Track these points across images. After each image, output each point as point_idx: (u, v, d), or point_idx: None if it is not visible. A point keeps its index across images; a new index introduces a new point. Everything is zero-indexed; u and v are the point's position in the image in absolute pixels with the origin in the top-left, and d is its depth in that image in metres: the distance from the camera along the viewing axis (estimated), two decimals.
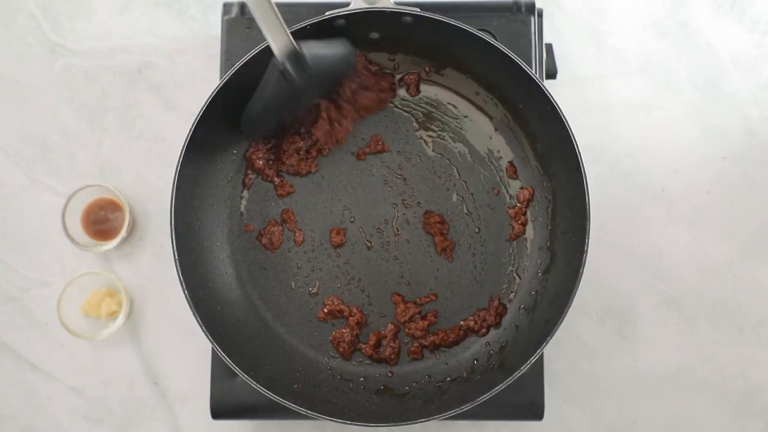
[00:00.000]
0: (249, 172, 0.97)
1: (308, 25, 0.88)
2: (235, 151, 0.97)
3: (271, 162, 0.97)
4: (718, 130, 1.05)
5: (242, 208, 0.97)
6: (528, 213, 0.96)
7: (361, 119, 0.97)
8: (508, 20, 0.96)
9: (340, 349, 0.95)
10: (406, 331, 0.95)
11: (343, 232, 0.96)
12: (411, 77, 0.97)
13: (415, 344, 0.95)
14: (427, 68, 0.97)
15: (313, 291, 0.96)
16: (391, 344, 0.95)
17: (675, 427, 1.02)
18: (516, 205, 0.96)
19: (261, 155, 0.96)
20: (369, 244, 0.96)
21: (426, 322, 0.94)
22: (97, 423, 1.02)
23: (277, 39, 0.83)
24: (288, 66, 0.85)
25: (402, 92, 0.98)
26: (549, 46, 1.00)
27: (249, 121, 0.93)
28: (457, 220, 0.96)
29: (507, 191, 0.96)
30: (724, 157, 1.05)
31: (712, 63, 1.06)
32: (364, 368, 0.95)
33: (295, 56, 0.84)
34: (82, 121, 1.05)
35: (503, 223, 0.96)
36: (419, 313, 0.95)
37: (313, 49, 0.86)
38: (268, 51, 0.85)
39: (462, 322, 0.95)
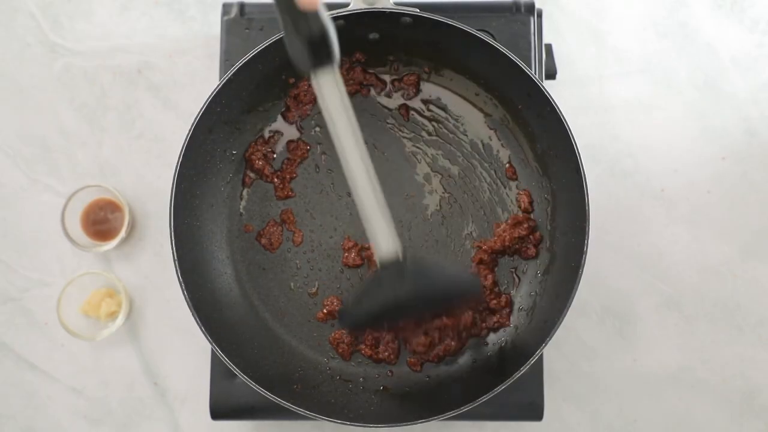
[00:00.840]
0: (248, 171, 0.97)
1: None
2: (234, 152, 0.97)
3: (270, 163, 0.97)
4: (718, 130, 1.05)
5: (242, 209, 0.97)
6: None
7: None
8: (508, 20, 0.96)
9: (340, 350, 0.95)
10: (408, 348, 0.94)
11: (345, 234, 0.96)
12: (411, 78, 0.97)
13: (414, 359, 0.94)
14: (426, 69, 0.97)
15: (313, 291, 0.96)
16: (390, 345, 0.95)
17: (675, 427, 1.02)
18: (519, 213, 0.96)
19: (260, 155, 0.96)
20: (368, 245, 0.96)
21: (429, 339, 0.94)
22: (97, 423, 1.02)
23: (386, 242, 0.77)
24: (388, 273, 0.78)
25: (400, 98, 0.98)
26: (549, 47, 1.00)
27: (350, 315, 0.86)
28: (456, 220, 0.96)
29: (507, 195, 0.97)
30: (724, 157, 1.05)
31: (712, 63, 1.06)
32: (364, 369, 0.95)
33: (396, 266, 0.77)
34: (81, 121, 1.05)
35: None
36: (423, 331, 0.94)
37: (426, 266, 0.81)
38: (273, 51, 0.84)
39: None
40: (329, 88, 0.73)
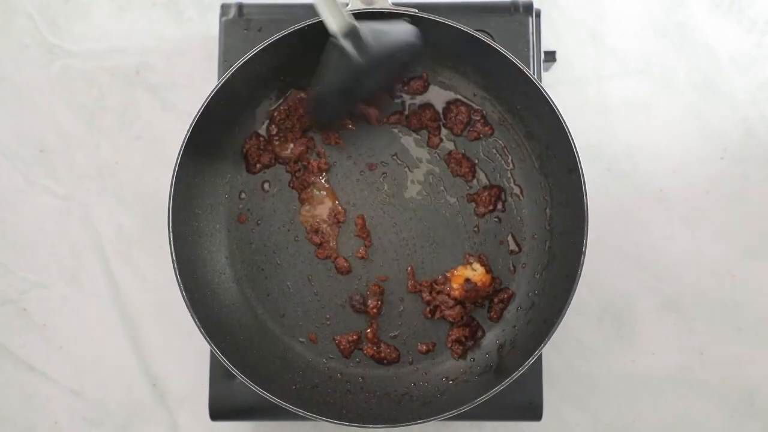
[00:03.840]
0: (252, 163, 0.97)
1: (306, 26, 0.88)
2: (233, 152, 0.97)
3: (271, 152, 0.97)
4: (716, 131, 1.05)
5: (241, 209, 0.97)
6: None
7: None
8: (506, 21, 0.96)
9: (341, 347, 0.95)
10: (370, 118, 0.96)
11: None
12: (417, 83, 0.97)
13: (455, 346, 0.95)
14: (424, 74, 0.97)
15: (312, 292, 0.96)
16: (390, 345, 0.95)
17: (674, 427, 1.02)
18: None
19: (256, 148, 0.96)
20: (367, 243, 0.96)
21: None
22: (96, 424, 1.02)
23: (335, 15, 0.82)
24: (347, 43, 0.83)
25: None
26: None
27: (316, 106, 0.92)
28: (455, 221, 0.96)
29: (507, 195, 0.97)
30: (723, 158, 1.05)
31: (710, 63, 1.06)
32: (363, 369, 0.95)
33: (354, 33, 0.83)
34: (79, 123, 1.05)
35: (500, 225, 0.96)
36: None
37: (372, 26, 0.85)
38: (272, 52, 0.84)
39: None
40: None
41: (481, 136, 0.96)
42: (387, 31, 0.87)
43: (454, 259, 0.96)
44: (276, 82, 0.95)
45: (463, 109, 0.96)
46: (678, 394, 1.02)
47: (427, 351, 0.95)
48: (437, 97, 0.97)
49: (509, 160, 0.97)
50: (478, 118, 0.96)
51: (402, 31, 0.88)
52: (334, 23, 0.83)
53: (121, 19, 1.07)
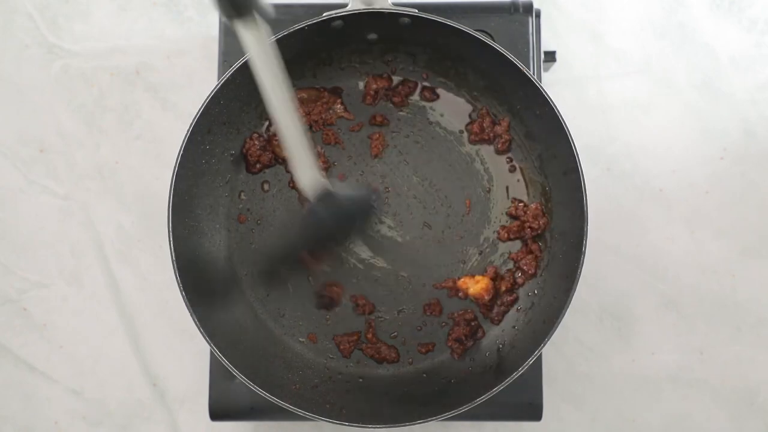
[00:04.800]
0: (252, 163, 0.97)
1: (306, 26, 0.88)
2: (233, 152, 0.97)
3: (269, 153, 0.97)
4: (716, 131, 1.05)
5: (240, 209, 0.97)
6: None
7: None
8: (506, 21, 0.96)
9: (341, 347, 0.95)
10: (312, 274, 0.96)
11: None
12: (408, 87, 0.97)
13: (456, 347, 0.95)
14: (424, 74, 0.97)
15: (313, 292, 0.96)
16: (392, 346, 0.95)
17: (674, 427, 1.02)
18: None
19: (257, 148, 0.96)
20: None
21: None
22: (96, 424, 1.02)
23: (309, 175, 0.82)
24: (319, 205, 0.83)
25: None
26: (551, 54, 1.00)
27: (270, 262, 0.94)
28: (454, 221, 0.96)
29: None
30: (723, 158, 1.05)
31: (710, 63, 1.06)
32: (363, 369, 0.95)
33: (326, 193, 0.83)
34: (79, 123, 1.05)
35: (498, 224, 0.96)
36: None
37: (339, 188, 0.86)
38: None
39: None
40: (251, 42, 0.74)
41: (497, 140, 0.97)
42: (350, 193, 0.90)
43: (454, 259, 0.96)
44: None
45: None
46: (678, 394, 1.02)
47: (427, 351, 0.95)
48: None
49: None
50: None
51: (363, 194, 0.92)
52: (308, 183, 0.82)
53: (121, 19, 1.07)
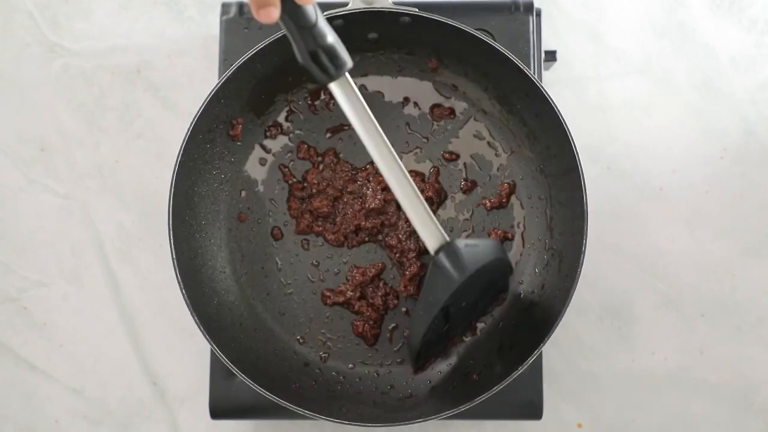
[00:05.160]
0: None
1: None
2: (233, 151, 0.97)
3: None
4: (716, 130, 1.05)
5: (241, 208, 0.97)
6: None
7: None
8: (507, 20, 0.96)
9: (365, 335, 0.95)
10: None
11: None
12: (444, 111, 0.98)
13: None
14: (432, 60, 0.96)
15: (312, 291, 0.96)
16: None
17: (674, 426, 1.02)
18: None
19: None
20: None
21: None
22: (97, 423, 1.02)
23: (432, 232, 0.83)
24: (442, 258, 0.83)
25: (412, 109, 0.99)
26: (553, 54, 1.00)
27: (416, 344, 0.88)
28: (454, 221, 0.96)
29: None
30: (723, 158, 1.05)
31: (710, 63, 1.06)
32: (363, 368, 0.95)
33: (450, 248, 0.83)
34: (80, 122, 1.05)
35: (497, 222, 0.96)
36: None
37: (464, 242, 0.85)
38: (272, 51, 0.86)
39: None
40: (345, 97, 0.77)
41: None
42: (476, 245, 0.86)
43: None
44: (277, 80, 0.95)
45: None
46: (678, 394, 1.02)
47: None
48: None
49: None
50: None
51: (489, 245, 0.88)
52: (431, 240, 0.83)
53: (121, 18, 1.07)
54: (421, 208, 0.82)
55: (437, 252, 0.83)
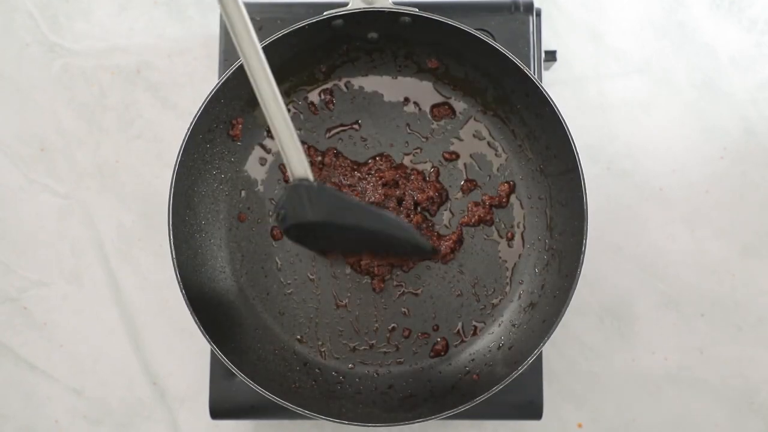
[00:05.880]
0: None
1: (306, 25, 0.88)
2: (234, 151, 0.97)
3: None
4: (716, 130, 1.05)
5: (241, 207, 0.97)
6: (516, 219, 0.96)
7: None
8: (507, 20, 0.96)
9: (375, 272, 0.95)
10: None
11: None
12: (444, 110, 0.97)
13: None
14: (432, 61, 0.96)
15: (312, 291, 0.96)
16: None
17: (674, 426, 1.02)
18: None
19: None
20: None
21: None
22: (97, 423, 1.02)
23: (300, 161, 0.77)
24: (295, 189, 0.78)
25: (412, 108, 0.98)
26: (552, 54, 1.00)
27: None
28: (454, 221, 0.97)
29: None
30: (723, 157, 1.05)
31: (710, 63, 1.06)
32: (362, 368, 0.95)
33: (304, 185, 0.77)
34: (80, 121, 1.05)
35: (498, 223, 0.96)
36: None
37: (342, 196, 0.82)
38: (272, 50, 0.85)
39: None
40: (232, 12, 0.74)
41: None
42: (358, 209, 0.82)
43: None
44: (276, 79, 0.95)
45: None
46: (678, 393, 1.02)
47: (430, 348, 0.95)
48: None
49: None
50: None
51: (377, 219, 0.82)
52: (297, 168, 0.77)
53: (122, 18, 1.07)
54: (294, 142, 0.76)
55: (296, 182, 0.78)
